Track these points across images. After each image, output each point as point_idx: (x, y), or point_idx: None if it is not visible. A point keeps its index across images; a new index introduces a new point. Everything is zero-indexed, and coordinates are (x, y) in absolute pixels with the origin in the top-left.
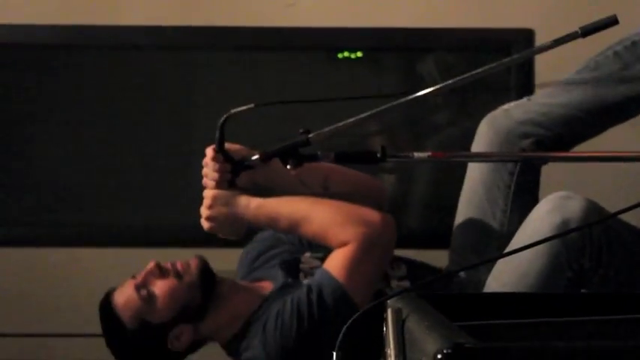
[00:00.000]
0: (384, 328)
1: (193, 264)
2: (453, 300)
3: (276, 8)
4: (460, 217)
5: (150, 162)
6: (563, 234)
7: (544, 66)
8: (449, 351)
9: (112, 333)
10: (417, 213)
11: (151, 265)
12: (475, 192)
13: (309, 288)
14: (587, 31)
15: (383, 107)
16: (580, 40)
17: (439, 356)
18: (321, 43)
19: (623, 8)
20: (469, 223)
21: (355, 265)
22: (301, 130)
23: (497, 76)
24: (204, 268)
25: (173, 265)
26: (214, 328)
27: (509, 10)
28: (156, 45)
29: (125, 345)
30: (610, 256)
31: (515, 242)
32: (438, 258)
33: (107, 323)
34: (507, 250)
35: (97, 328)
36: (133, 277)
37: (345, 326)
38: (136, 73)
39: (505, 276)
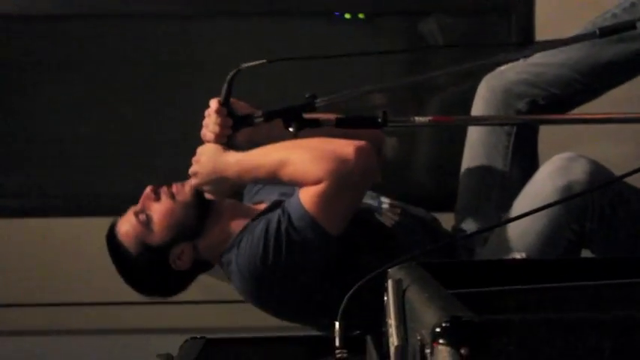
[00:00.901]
0: (385, 298)
1: (187, 185)
2: (453, 267)
3: None
4: (463, 178)
5: (151, 131)
6: (565, 199)
7: (544, 26)
8: (447, 324)
9: (120, 261)
10: (423, 175)
11: (147, 190)
12: (475, 153)
13: (283, 209)
14: (606, 33)
15: (390, 84)
16: (581, 4)
17: (437, 329)
18: (322, 7)
19: None
20: (471, 184)
21: (327, 200)
22: (307, 95)
23: (498, 36)
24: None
25: (168, 187)
26: (212, 245)
27: None
28: (147, 13)
29: (134, 271)
30: (612, 218)
31: (519, 202)
32: (446, 220)
33: (114, 253)
34: (510, 210)
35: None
36: (134, 205)
37: (347, 295)
38: (133, 42)
39: (505, 233)
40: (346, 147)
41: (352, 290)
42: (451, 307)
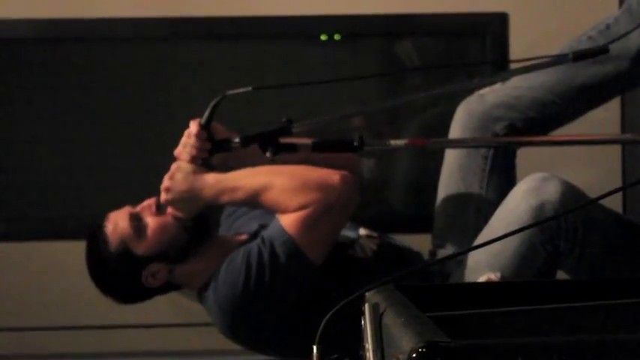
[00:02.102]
0: (362, 322)
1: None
2: (429, 291)
3: None
4: (439, 201)
5: (136, 155)
6: (539, 222)
7: (519, 51)
8: (423, 349)
9: (94, 251)
10: (400, 197)
11: (151, 200)
12: (451, 177)
13: (262, 239)
14: (578, 57)
15: (368, 108)
16: (555, 25)
17: (414, 355)
18: (296, 30)
19: None
20: (447, 206)
21: (311, 226)
22: (284, 119)
23: (473, 58)
24: (201, 215)
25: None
26: (189, 274)
27: None
28: (132, 37)
29: (103, 267)
30: (585, 238)
31: (493, 222)
32: (423, 242)
33: (93, 241)
34: (485, 229)
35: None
36: (132, 206)
37: (325, 319)
38: (118, 66)
39: (480, 253)
40: (332, 175)
41: (329, 314)
42: (428, 331)
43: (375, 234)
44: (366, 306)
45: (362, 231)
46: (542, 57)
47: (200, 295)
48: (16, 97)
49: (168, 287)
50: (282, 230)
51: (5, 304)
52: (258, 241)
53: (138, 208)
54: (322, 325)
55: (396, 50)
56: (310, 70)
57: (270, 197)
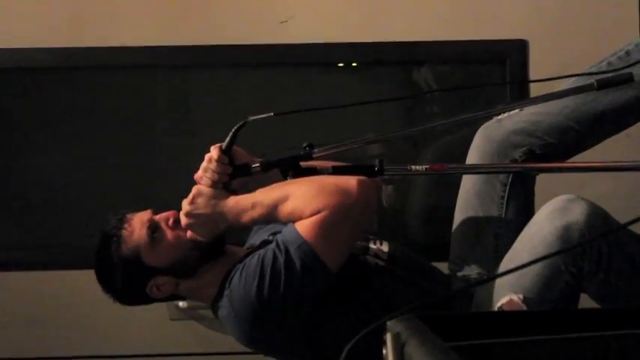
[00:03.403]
0: (384, 351)
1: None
2: (451, 319)
3: (269, 26)
4: (456, 227)
5: (147, 182)
6: (567, 249)
7: (538, 77)
8: None
9: (106, 249)
10: (416, 224)
11: (171, 213)
12: (469, 203)
13: (277, 243)
14: (602, 85)
15: (388, 135)
16: (574, 52)
17: None
18: (315, 58)
19: (615, 22)
20: (465, 233)
21: (326, 230)
22: (305, 145)
23: (493, 87)
24: (220, 236)
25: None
26: (196, 288)
27: (503, 21)
28: (150, 65)
29: (110, 266)
30: (610, 261)
31: (517, 244)
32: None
33: (107, 239)
34: (510, 251)
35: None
36: (154, 212)
37: (347, 347)
38: (130, 94)
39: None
40: (349, 180)
41: (351, 343)
42: None
43: (385, 248)
44: (388, 335)
45: (372, 245)
46: (564, 76)
47: (214, 306)
48: (32, 125)
49: (171, 298)
50: (298, 235)
51: (17, 334)
52: (272, 245)
53: (157, 218)
54: (344, 354)
55: (416, 78)
56: (330, 97)
57: (288, 207)
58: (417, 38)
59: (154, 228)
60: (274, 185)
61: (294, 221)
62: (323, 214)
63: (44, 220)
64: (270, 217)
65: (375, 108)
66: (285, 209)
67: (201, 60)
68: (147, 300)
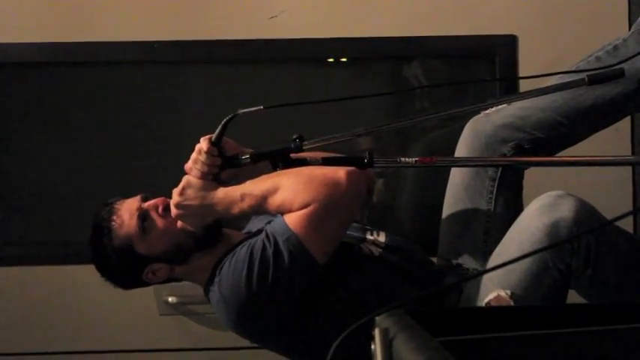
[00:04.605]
0: (372, 346)
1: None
2: (439, 315)
3: (259, 21)
4: (444, 222)
5: (142, 178)
6: (555, 245)
7: (528, 74)
8: None
9: (98, 239)
10: (404, 219)
11: (160, 200)
12: (458, 197)
13: (266, 233)
14: (594, 81)
15: (378, 127)
16: (562, 47)
17: None
18: (305, 54)
19: (604, 17)
20: (453, 228)
21: (315, 223)
22: (295, 137)
23: (483, 82)
24: (214, 224)
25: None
26: (191, 271)
27: (492, 16)
28: (142, 60)
29: (104, 255)
30: (598, 258)
31: (506, 239)
32: None
33: (99, 229)
34: (498, 247)
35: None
36: (143, 199)
37: (335, 344)
38: (122, 89)
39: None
40: (337, 171)
41: (339, 339)
42: (439, 357)
43: (382, 238)
44: (377, 331)
45: (369, 236)
46: (555, 73)
47: (206, 289)
48: (24, 120)
49: (168, 281)
50: (286, 227)
51: (9, 329)
52: (262, 235)
53: (146, 205)
54: (332, 349)
55: (405, 73)
56: (320, 92)
57: (278, 198)
58: (406, 33)
59: (143, 217)
60: (263, 177)
61: (283, 213)
62: (312, 207)
63: (35, 216)
64: (260, 208)
65: (364, 103)
66: (274, 201)
67: (191, 55)
68: (145, 284)
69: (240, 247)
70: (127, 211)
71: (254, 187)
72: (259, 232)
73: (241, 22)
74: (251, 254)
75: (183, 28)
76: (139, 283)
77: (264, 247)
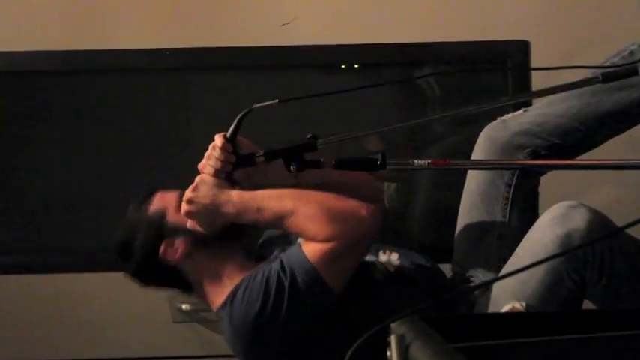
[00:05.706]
0: (388, 353)
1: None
2: (455, 321)
3: (271, 28)
4: (460, 229)
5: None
6: (566, 252)
7: (540, 79)
8: None
9: (136, 208)
10: (419, 226)
11: (178, 195)
12: (473, 204)
13: (281, 264)
14: (607, 78)
15: (389, 127)
16: (577, 53)
17: None
18: (317, 60)
19: (617, 22)
20: (469, 235)
21: (337, 258)
22: (309, 136)
23: (496, 88)
24: (237, 227)
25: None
26: (200, 270)
27: (504, 22)
28: (153, 68)
29: (133, 222)
30: (612, 268)
31: (519, 250)
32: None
33: (139, 202)
34: (511, 257)
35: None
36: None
37: (350, 351)
38: (130, 97)
39: (505, 282)
40: (360, 209)
41: (355, 345)
42: None
43: (395, 257)
44: (392, 337)
45: (382, 256)
46: (569, 67)
47: (218, 314)
48: (32, 129)
49: (175, 275)
50: (304, 258)
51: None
52: (277, 266)
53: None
54: (348, 355)
55: (418, 79)
56: (332, 100)
57: (297, 223)
58: (418, 40)
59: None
60: (283, 192)
61: (301, 236)
62: (334, 243)
63: (45, 224)
64: (275, 225)
65: (377, 109)
66: (293, 224)
67: (203, 63)
68: (156, 268)
69: (253, 276)
70: (169, 193)
71: (272, 203)
72: (271, 260)
73: (253, 30)
74: (266, 286)
75: (194, 35)
76: (152, 263)
77: (279, 279)
